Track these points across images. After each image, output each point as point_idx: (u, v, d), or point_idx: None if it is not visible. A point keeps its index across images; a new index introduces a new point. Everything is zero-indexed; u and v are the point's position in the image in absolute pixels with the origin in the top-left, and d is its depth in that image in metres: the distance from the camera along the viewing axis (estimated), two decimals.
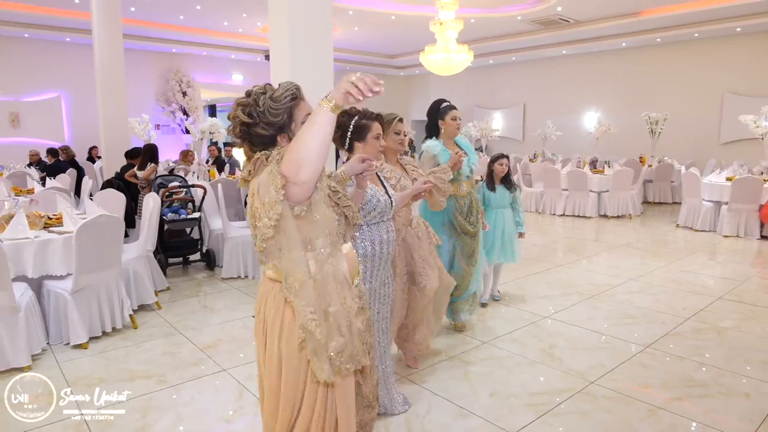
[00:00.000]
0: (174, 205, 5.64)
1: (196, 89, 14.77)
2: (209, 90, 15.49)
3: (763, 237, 7.34)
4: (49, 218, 4.04)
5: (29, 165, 9.88)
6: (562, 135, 13.55)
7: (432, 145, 3.59)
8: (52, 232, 3.81)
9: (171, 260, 5.71)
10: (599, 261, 6.23)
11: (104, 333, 3.83)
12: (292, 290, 1.58)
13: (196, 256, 5.83)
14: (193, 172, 8.01)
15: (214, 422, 2.71)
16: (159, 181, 5.90)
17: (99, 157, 11.21)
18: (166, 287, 5.02)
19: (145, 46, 13.47)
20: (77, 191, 8.19)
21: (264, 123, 1.62)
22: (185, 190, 5.86)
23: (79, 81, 12.56)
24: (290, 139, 1.65)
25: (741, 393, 3.00)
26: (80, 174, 9.08)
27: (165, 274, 5.19)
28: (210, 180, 7.41)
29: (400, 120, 2.96)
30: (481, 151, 14.18)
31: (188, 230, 5.93)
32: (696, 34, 11.87)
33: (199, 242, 5.80)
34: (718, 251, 6.72)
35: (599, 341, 3.75)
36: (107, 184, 6.26)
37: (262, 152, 1.63)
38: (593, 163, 10.13)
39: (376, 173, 2.59)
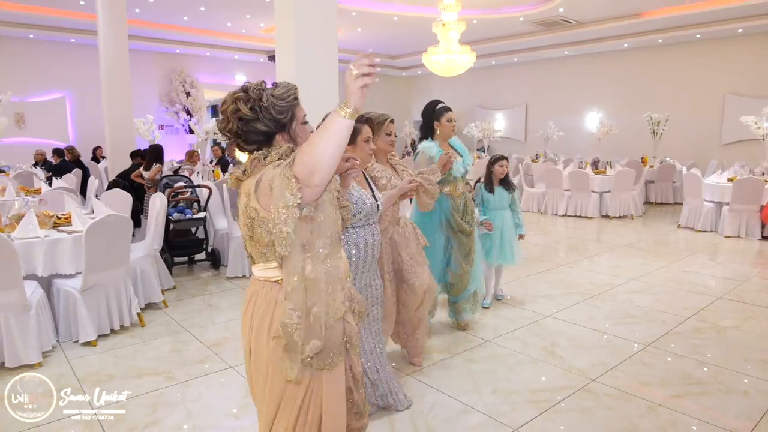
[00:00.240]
0: (179, 205, 5.70)
1: (199, 90, 14.85)
2: (212, 90, 15.56)
3: (764, 237, 7.37)
4: (58, 218, 4.10)
5: (35, 165, 9.95)
6: (564, 135, 13.60)
7: (428, 146, 3.64)
8: (62, 231, 3.88)
9: (177, 259, 5.77)
10: (601, 261, 6.27)
11: (113, 331, 3.90)
12: (285, 293, 1.58)
13: (202, 255, 5.89)
14: (198, 173, 8.07)
15: (222, 418, 2.77)
16: (165, 181, 5.96)
17: (103, 157, 11.28)
18: (173, 286, 5.08)
19: (150, 47, 13.55)
20: (83, 191, 8.26)
21: (267, 119, 1.60)
22: (190, 190, 5.93)
23: (83, 81, 12.65)
24: (290, 138, 1.66)
25: (740, 391, 3.04)
26: (85, 174, 9.15)
27: (171, 273, 5.25)
28: (215, 180, 7.47)
29: (392, 121, 3.02)
30: (483, 151, 14.22)
31: (193, 230, 5.99)
32: (698, 35, 11.91)
33: (205, 242, 5.86)
34: (719, 251, 6.76)
35: (600, 340, 3.80)
36: (113, 184, 6.32)
37: (260, 152, 1.62)
38: (595, 164, 10.17)
39: (364, 176, 2.62)
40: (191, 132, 13.10)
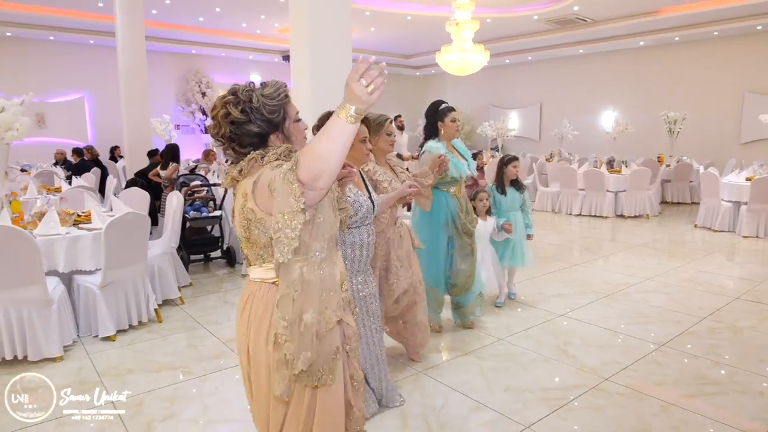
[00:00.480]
0: (196, 203, 5.79)
1: (215, 90, 15.00)
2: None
3: None
4: (79, 215, 4.20)
5: (55, 164, 10.15)
6: (579, 134, 13.48)
7: (435, 146, 3.65)
8: (82, 228, 3.97)
9: (193, 257, 5.86)
10: (615, 260, 6.23)
11: (131, 326, 3.98)
12: (276, 300, 1.53)
13: (217, 253, 5.97)
14: (214, 171, 8.18)
15: (237, 412, 2.82)
16: (181, 180, 6.05)
17: (121, 157, 11.47)
18: (189, 283, 5.16)
19: (166, 48, 13.72)
20: (101, 189, 8.41)
21: (259, 120, 1.57)
22: (206, 188, 6.01)
23: (101, 82, 12.85)
24: (284, 137, 1.62)
25: (755, 392, 3.02)
26: (104, 173, 9.31)
27: (188, 270, 5.34)
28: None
29: (391, 122, 3.05)
30: (497, 150, 14.16)
31: (209, 228, 6.08)
32: (715, 33, 11.73)
33: (220, 240, 5.94)
34: (736, 252, 6.68)
35: (613, 339, 3.79)
36: (131, 183, 6.44)
37: (257, 152, 1.57)
38: (610, 163, 10.10)
39: (362, 177, 2.64)
40: (207, 131, 13.24)
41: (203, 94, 14.76)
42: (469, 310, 3.92)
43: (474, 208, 4.17)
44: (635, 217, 9.18)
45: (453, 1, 9.33)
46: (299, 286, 1.49)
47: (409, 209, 4.33)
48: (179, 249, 5.27)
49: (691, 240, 7.41)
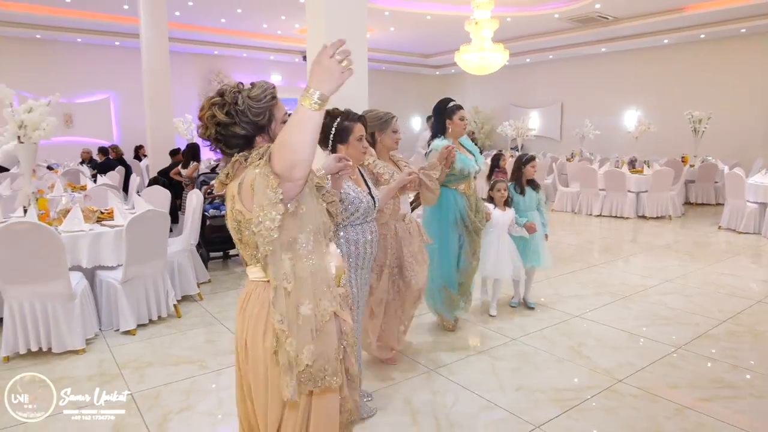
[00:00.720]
0: (215, 201, 5.90)
1: None
2: None
3: None
4: (102, 213, 4.32)
5: (81, 163, 10.43)
6: (601, 134, 13.30)
7: (441, 144, 3.63)
8: (105, 225, 4.08)
9: (212, 254, 5.97)
10: (634, 262, 6.15)
11: (151, 321, 4.08)
12: (271, 298, 1.53)
13: (236, 250, 6.05)
14: None
15: None
16: (201, 178, 6.17)
17: (145, 156, 11.71)
18: (208, 279, 5.26)
19: (189, 49, 13.96)
20: (125, 188, 8.62)
21: (244, 122, 1.56)
22: None
23: (126, 83, 13.14)
24: (270, 139, 1.61)
25: None
26: (128, 171, 9.53)
27: (206, 267, 5.44)
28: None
29: (396, 119, 3.10)
30: (517, 150, 14.05)
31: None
32: (743, 30, 11.45)
33: None
34: (761, 254, 6.52)
35: (629, 341, 3.75)
36: (153, 182, 6.59)
37: (240, 154, 1.57)
38: (632, 163, 9.94)
39: (361, 174, 2.66)
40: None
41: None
42: (456, 301, 3.83)
43: (491, 198, 4.20)
44: (657, 218, 9.03)
45: (472, 1, 9.30)
46: (291, 279, 1.50)
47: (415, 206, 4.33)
48: (199, 246, 5.37)
49: (715, 242, 7.26)
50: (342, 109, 2.57)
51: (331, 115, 2.54)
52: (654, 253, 6.52)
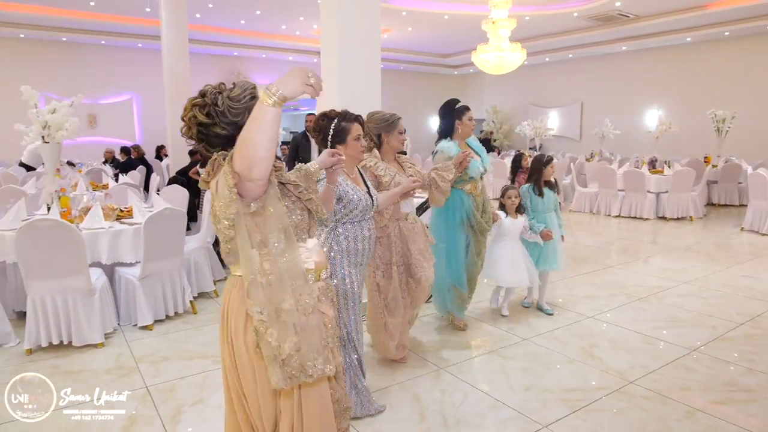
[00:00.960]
0: None
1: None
2: None
3: None
4: (121, 211, 4.43)
5: (104, 162, 10.67)
6: (621, 134, 13.12)
7: (447, 146, 3.68)
8: (124, 223, 4.19)
9: None
10: (652, 263, 6.06)
11: (167, 316, 4.17)
12: (246, 291, 1.55)
13: None
14: None
15: None
16: None
17: (166, 156, 11.93)
18: (224, 277, 5.35)
19: (209, 50, 14.18)
20: (146, 187, 8.79)
21: (224, 123, 1.58)
22: None
23: (148, 84, 13.41)
24: None
25: None
26: (149, 171, 9.73)
27: (223, 265, 5.53)
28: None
29: (401, 121, 3.15)
30: (535, 150, 13.93)
31: None
32: None
33: None
34: None
35: (642, 342, 3.71)
36: (172, 181, 6.71)
37: (220, 153, 1.59)
38: (652, 163, 9.79)
39: (360, 173, 2.70)
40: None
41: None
42: (466, 298, 3.87)
43: (503, 206, 4.17)
44: (678, 219, 8.87)
45: (489, 0, 9.27)
46: (266, 275, 1.53)
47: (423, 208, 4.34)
48: (215, 244, 5.46)
49: (737, 243, 7.12)
50: (339, 110, 2.63)
51: (328, 117, 2.58)
52: (673, 255, 6.42)
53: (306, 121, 7.15)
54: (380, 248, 3.09)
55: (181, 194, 5.51)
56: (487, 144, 16.61)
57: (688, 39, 12.54)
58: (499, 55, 9.77)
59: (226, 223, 1.48)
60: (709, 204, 10.44)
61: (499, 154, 15.25)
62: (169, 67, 8.87)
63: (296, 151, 6.52)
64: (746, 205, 8.92)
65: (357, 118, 2.61)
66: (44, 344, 3.55)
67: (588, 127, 15.17)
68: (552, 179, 4.30)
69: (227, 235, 1.50)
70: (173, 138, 9.00)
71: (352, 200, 2.53)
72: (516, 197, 4.12)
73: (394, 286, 3.06)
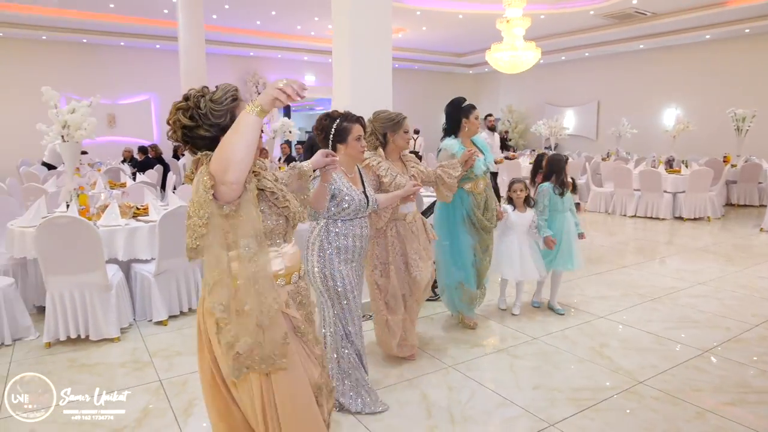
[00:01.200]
0: None
1: None
2: None
3: None
4: (138, 208, 4.52)
5: (123, 161, 10.87)
6: (639, 133, 12.94)
7: (451, 143, 3.70)
8: (140, 220, 4.28)
9: None
10: (667, 264, 6.00)
11: (181, 312, 4.25)
12: (207, 287, 1.61)
13: None
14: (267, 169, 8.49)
15: None
16: None
17: (183, 155, 12.10)
18: None
19: (225, 51, 14.33)
20: (163, 185, 8.94)
21: (207, 125, 1.62)
22: None
23: (166, 84, 13.58)
24: None
25: None
26: (166, 170, 9.88)
27: None
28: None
29: (407, 120, 3.20)
30: (550, 149, 13.82)
31: None
32: None
33: None
34: None
35: (654, 343, 3.68)
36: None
37: (204, 153, 1.63)
38: (669, 163, 9.66)
39: (359, 173, 2.74)
40: (261, 131, 13.74)
41: (259, 95, 15.29)
42: (475, 295, 3.88)
43: (510, 200, 4.17)
44: (695, 219, 8.75)
45: None
46: (235, 280, 1.58)
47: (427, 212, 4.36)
48: None
49: (755, 244, 6.99)
50: (342, 111, 2.68)
51: (331, 117, 2.64)
52: (689, 255, 6.34)
53: None
54: (377, 248, 3.14)
55: None
56: (503, 143, 16.53)
57: (707, 36, 12.34)
58: (513, 54, 9.72)
59: (198, 220, 1.52)
60: (728, 204, 10.27)
61: (515, 151, 15.16)
62: (186, 67, 8.99)
63: (311, 150, 6.60)
64: (766, 206, 8.78)
65: (359, 120, 2.66)
66: (62, 338, 3.64)
67: (604, 127, 15.00)
68: (570, 179, 4.29)
69: (199, 232, 1.54)
70: None
71: (345, 198, 2.58)
72: (521, 190, 4.12)
73: (392, 284, 3.11)
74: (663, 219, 8.80)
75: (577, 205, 5.69)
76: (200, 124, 1.63)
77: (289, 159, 10.24)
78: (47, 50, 12.65)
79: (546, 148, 14.50)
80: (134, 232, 4.12)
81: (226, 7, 10.73)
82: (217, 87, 1.67)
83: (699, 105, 13.03)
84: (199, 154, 1.65)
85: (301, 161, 2.25)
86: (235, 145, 1.45)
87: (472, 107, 3.78)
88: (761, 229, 7.78)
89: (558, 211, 4.19)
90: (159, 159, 10.43)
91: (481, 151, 3.82)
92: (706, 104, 12.82)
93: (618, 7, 10.61)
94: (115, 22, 11.49)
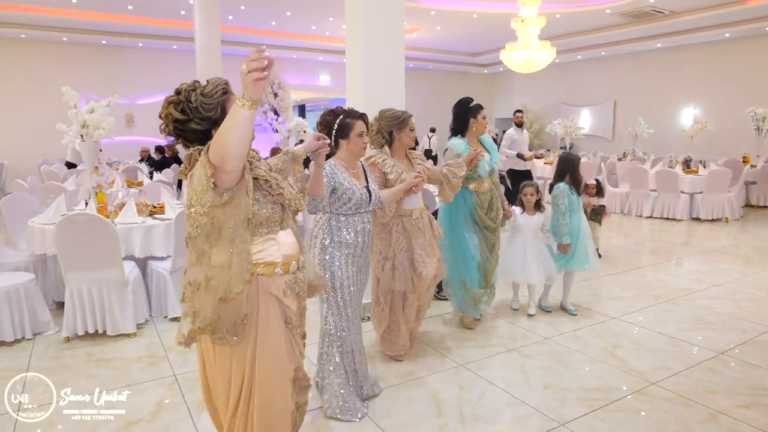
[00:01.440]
0: None
1: (286, 90, 15.58)
2: (298, 91, 16.31)
3: None
4: (154, 207, 4.60)
5: (140, 161, 11.04)
6: (656, 133, 12.81)
7: (457, 143, 3.71)
8: (156, 218, 4.36)
9: None
10: (683, 265, 5.93)
11: None
12: (189, 263, 1.69)
13: None
14: None
15: None
16: None
17: None
18: None
19: (241, 51, 14.45)
20: (179, 184, 9.05)
21: (198, 118, 1.66)
22: None
23: None
24: None
25: None
26: None
27: None
28: (295, 175, 7.88)
29: (412, 118, 3.22)
30: (565, 149, 13.72)
31: None
32: None
33: None
34: None
35: (667, 344, 3.65)
36: None
37: (195, 148, 1.68)
38: (686, 163, 9.53)
39: (363, 168, 2.77)
40: (277, 131, 13.84)
41: (275, 95, 15.38)
42: (479, 296, 3.88)
43: (521, 202, 4.16)
44: (712, 220, 8.62)
45: None
46: (212, 259, 1.64)
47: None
48: None
49: None
50: (346, 107, 2.71)
51: (334, 113, 2.67)
52: (705, 257, 6.26)
53: None
54: (381, 243, 3.16)
55: None
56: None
57: (727, 35, 12.15)
58: (527, 54, 9.68)
59: (199, 209, 1.58)
60: (747, 205, 10.10)
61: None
62: (202, 67, 9.12)
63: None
64: None
65: (361, 116, 2.69)
66: (80, 333, 3.73)
67: (621, 126, 14.86)
68: (594, 180, 4.28)
69: (200, 220, 1.60)
70: None
71: (347, 192, 2.60)
72: (532, 194, 4.11)
73: (386, 279, 3.15)
74: (680, 220, 8.69)
75: (603, 207, 5.68)
76: (191, 118, 1.66)
77: (306, 161, 10.29)
78: (68, 51, 12.91)
79: (561, 148, 14.40)
80: (150, 230, 4.20)
81: (242, 8, 10.85)
82: (208, 81, 1.70)
83: (717, 104, 12.84)
84: (191, 149, 1.69)
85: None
86: (233, 138, 1.49)
87: (480, 107, 3.79)
88: None
89: (574, 212, 4.16)
90: (175, 158, 10.56)
91: (488, 151, 3.82)
92: (725, 104, 12.62)
93: (635, 5, 10.51)
94: (134, 23, 11.69)
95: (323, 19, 12.03)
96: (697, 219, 8.71)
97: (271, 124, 15.49)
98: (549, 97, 17.13)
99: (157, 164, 9.99)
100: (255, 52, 1.41)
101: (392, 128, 3.18)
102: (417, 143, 3.82)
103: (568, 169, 4.18)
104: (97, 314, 3.74)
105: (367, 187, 2.72)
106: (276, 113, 15.39)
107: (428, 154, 14.43)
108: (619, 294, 4.80)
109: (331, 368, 2.73)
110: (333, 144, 2.68)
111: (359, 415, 2.68)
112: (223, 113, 1.65)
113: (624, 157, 12.25)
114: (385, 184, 3.06)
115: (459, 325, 4.02)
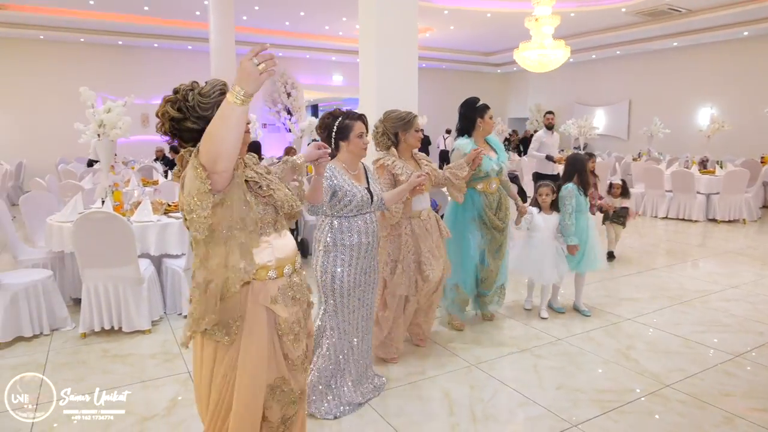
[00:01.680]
0: None
1: (299, 90, 15.67)
2: (311, 90, 16.39)
3: None
4: (169, 205, 4.65)
5: (155, 160, 11.17)
6: (672, 133, 12.64)
7: (463, 143, 3.69)
8: (171, 217, 4.41)
9: None
10: (699, 266, 5.86)
11: None
12: (194, 267, 1.71)
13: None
14: None
15: None
16: None
17: None
18: None
19: None
20: None
21: (194, 117, 1.65)
22: None
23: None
24: None
25: None
26: None
27: None
28: (308, 174, 7.93)
29: (418, 118, 3.22)
30: (579, 149, 13.60)
31: None
32: None
33: (295, 231, 6.28)
34: None
35: (682, 346, 3.61)
36: None
37: (187, 149, 1.67)
38: (703, 163, 9.41)
39: (364, 170, 2.76)
40: (290, 130, 13.92)
41: (288, 95, 15.48)
42: (489, 299, 3.94)
43: (537, 203, 4.14)
44: (729, 221, 8.50)
45: None
46: (209, 260, 1.65)
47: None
48: None
49: None
50: (346, 108, 2.71)
51: (333, 115, 2.66)
52: (722, 258, 6.18)
53: None
54: (390, 245, 3.16)
55: None
56: (526, 143, 16.34)
57: (745, 33, 11.96)
58: (541, 53, 9.62)
59: (201, 212, 1.56)
60: (765, 206, 9.94)
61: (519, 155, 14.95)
62: (216, 68, 9.19)
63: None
64: None
65: (360, 117, 2.68)
66: (97, 329, 3.78)
67: (636, 126, 14.70)
68: (620, 180, 4.25)
69: (205, 223, 1.58)
70: None
71: (347, 194, 2.60)
72: (547, 195, 4.08)
73: (395, 281, 3.14)
74: (695, 221, 8.58)
75: (626, 210, 5.64)
76: (187, 117, 1.66)
77: None
78: (85, 52, 13.11)
79: (575, 148, 14.28)
80: (165, 228, 4.25)
81: (256, 8, 10.92)
82: (206, 82, 1.70)
83: (735, 104, 12.65)
84: (183, 151, 1.68)
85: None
86: (225, 137, 1.47)
87: (486, 107, 3.78)
88: None
89: (581, 212, 4.13)
90: None
91: (494, 150, 3.81)
92: (743, 103, 12.43)
93: (651, 3, 10.39)
94: (149, 24, 11.83)
95: (336, 18, 12.06)
96: (714, 220, 8.59)
97: (284, 124, 15.58)
98: (563, 96, 17.00)
99: (172, 163, 10.10)
100: (258, 46, 1.41)
101: (398, 129, 3.18)
102: (429, 143, 3.83)
103: (576, 169, 4.15)
104: (113, 311, 3.80)
105: (369, 189, 2.72)
106: (289, 113, 15.49)
107: (444, 155, 14.39)
108: (634, 295, 4.75)
109: (316, 367, 2.74)
110: (333, 146, 2.68)
111: (333, 416, 2.68)
112: None
113: (639, 157, 12.11)
114: (396, 186, 3.05)
115: (469, 324, 4.01)
